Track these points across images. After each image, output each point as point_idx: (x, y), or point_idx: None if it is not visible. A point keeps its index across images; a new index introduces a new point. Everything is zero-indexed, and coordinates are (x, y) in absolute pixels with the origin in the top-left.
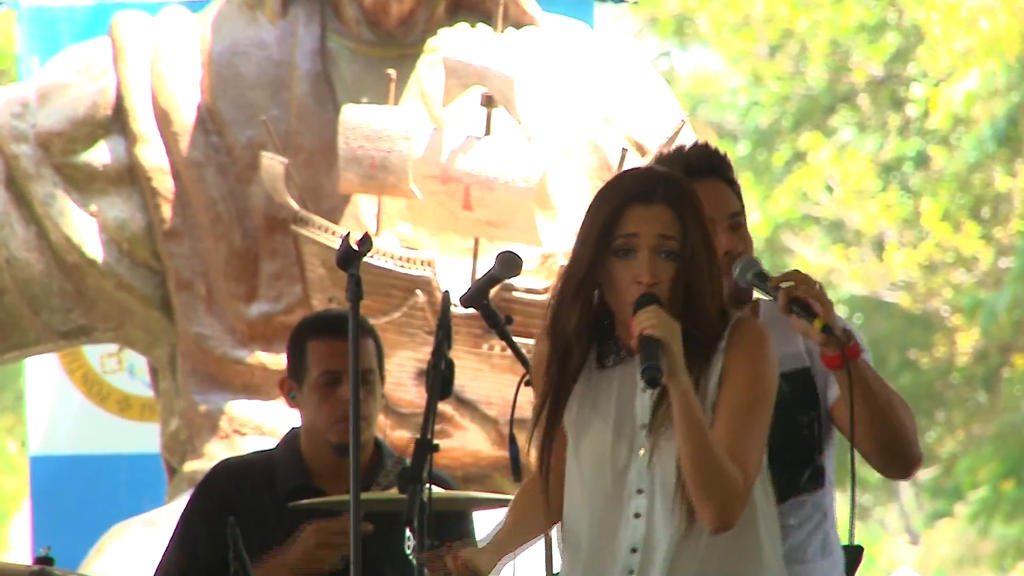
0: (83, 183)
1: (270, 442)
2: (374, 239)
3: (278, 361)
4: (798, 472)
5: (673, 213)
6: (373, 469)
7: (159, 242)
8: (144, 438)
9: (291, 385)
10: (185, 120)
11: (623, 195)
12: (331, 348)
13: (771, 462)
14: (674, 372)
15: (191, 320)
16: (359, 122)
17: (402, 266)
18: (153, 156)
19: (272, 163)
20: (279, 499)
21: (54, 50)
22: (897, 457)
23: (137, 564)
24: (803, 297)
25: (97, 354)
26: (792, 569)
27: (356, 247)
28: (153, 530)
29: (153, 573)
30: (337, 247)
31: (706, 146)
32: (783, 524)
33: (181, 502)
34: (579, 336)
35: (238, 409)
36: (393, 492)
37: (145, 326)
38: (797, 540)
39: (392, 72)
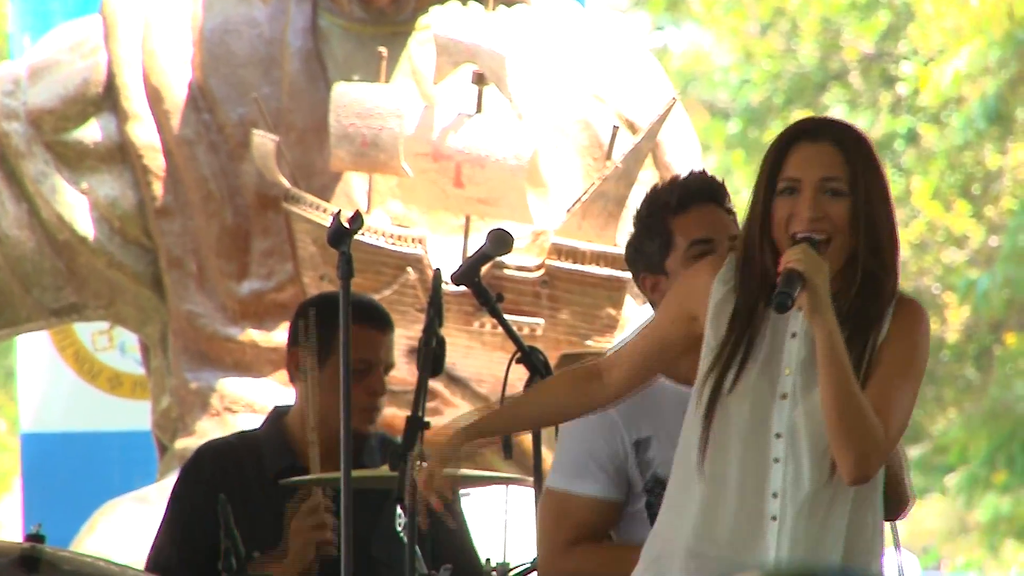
0: (74, 161)
1: (260, 419)
2: (365, 217)
3: (269, 339)
4: None
5: (840, 153)
6: (361, 449)
7: (150, 220)
8: (135, 415)
9: (305, 360)
10: (176, 98)
11: (788, 135)
12: (369, 337)
13: None
14: (817, 309)
15: (182, 298)
16: (350, 100)
17: (393, 244)
18: (144, 134)
19: (263, 141)
20: (266, 479)
21: (45, 28)
22: (886, 501)
23: (129, 541)
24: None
25: (88, 332)
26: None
27: (347, 225)
28: (145, 507)
29: (147, 556)
30: (328, 225)
31: (703, 174)
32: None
33: (172, 479)
34: (765, 285)
35: (229, 386)
36: (383, 470)
37: (136, 304)
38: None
39: (383, 50)
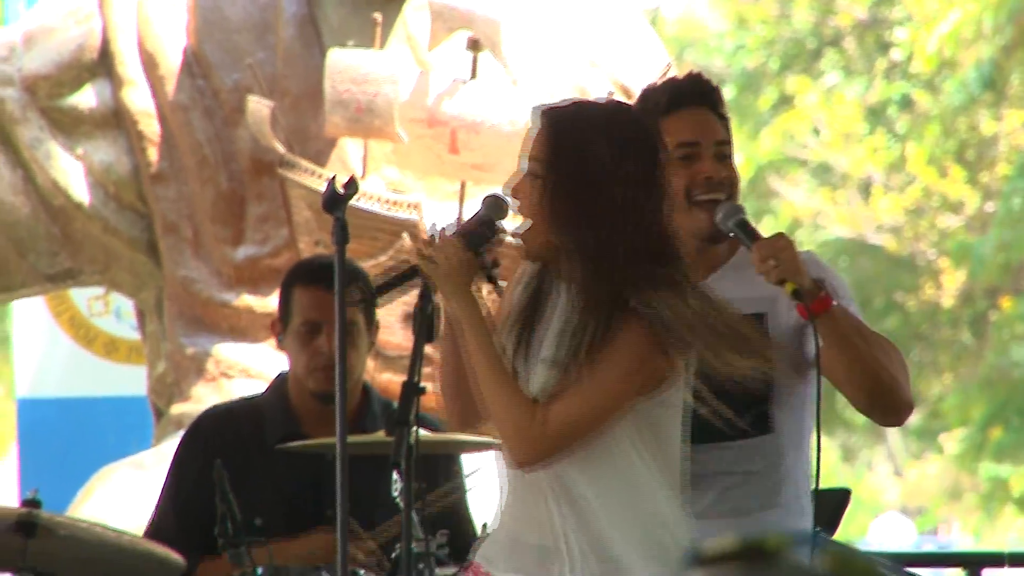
0: (69, 127)
1: (257, 385)
2: (360, 182)
3: (265, 304)
4: (740, 415)
5: (546, 133)
6: (360, 414)
7: (145, 185)
8: (131, 381)
9: (279, 329)
10: (171, 63)
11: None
12: (314, 297)
13: (722, 398)
14: (445, 296)
15: (177, 263)
16: (345, 65)
17: (389, 209)
18: (139, 99)
19: (258, 106)
20: (266, 445)
21: None
22: (884, 404)
23: (125, 506)
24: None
25: (84, 297)
26: (731, 523)
27: (342, 190)
28: (141, 472)
29: (147, 521)
30: (323, 191)
31: (698, 75)
32: (726, 471)
33: (169, 444)
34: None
35: (225, 352)
36: (380, 435)
37: (131, 269)
38: (740, 490)
39: (378, 16)
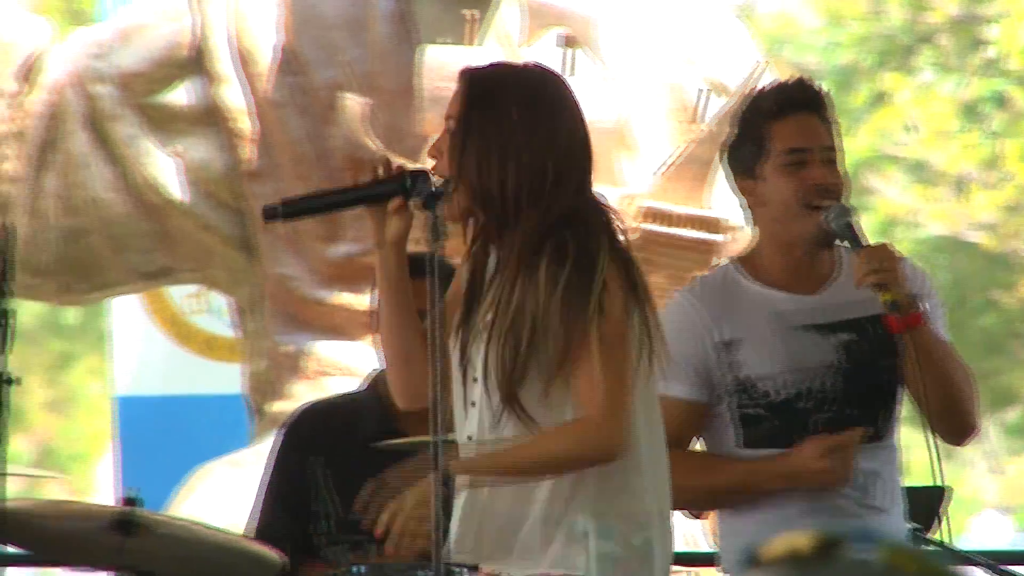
0: (164, 124)
1: (353, 382)
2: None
3: (361, 301)
4: (877, 417)
5: (462, 93)
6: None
7: (241, 183)
8: (229, 378)
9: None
10: (265, 60)
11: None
12: (420, 289)
13: (858, 405)
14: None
15: (274, 261)
16: (439, 63)
17: None
18: (234, 97)
19: (353, 104)
20: (363, 442)
21: None
22: (951, 424)
23: (223, 504)
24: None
25: (180, 295)
26: (866, 516)
27: (438, 188)
28: (239, 470)
29: (248, 517)
30: None
31: (803, 80)
32: (866, 468)
33: (266, 442)
34: None
35: (322, 350)
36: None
37: (227, 266)
38: (874, 486)
39: (472, 12)
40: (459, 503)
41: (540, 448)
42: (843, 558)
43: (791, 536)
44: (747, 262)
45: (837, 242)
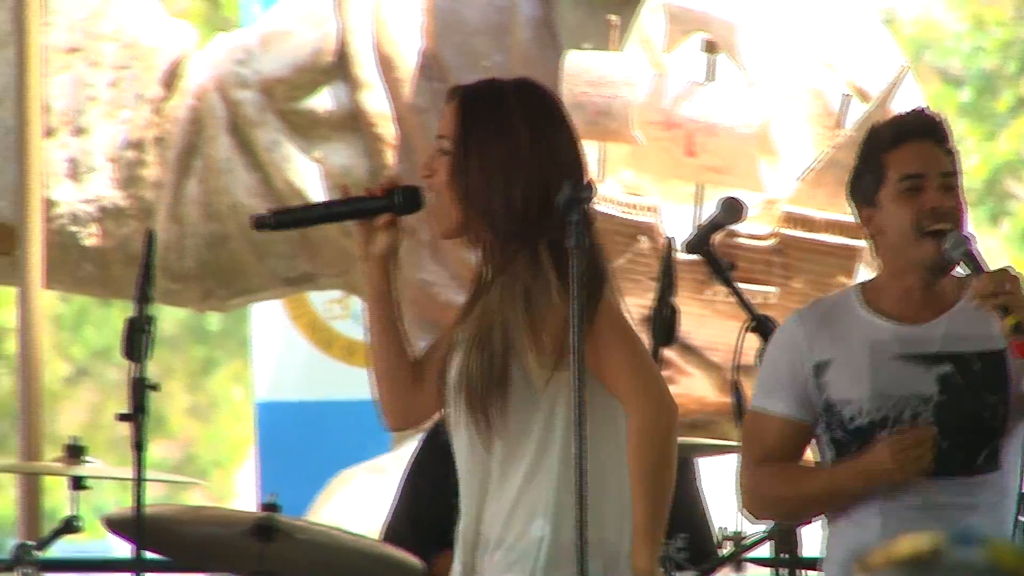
0: (306, 129)
1: None
2: (597, 185)
3: None
4: (976, 451)
5: (457, 112)
6: None
7: None
8: (369, 384)
9: None
10: (408, 66)
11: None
12: None
13: (951, 438)
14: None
15: (415, 267)
16: (582, 68)
17: (626, 212)
18: (376, 102)
19: None
20: None
21: None
22: None
23: (364, 510)
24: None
25: (322, 300)
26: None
27: (578, 193)
28: (379, 476)
29: (384, 521)
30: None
31: (921, 111)
32: (959, 503)
33: (406, 448)
34: None
35: None
36: None
37: None
38: (971, 521)
39: (614, 18)
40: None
41: (650, 480)
42: (948, 560)
43: (897, 540)
44: (867, 289)
45: (962, 270)
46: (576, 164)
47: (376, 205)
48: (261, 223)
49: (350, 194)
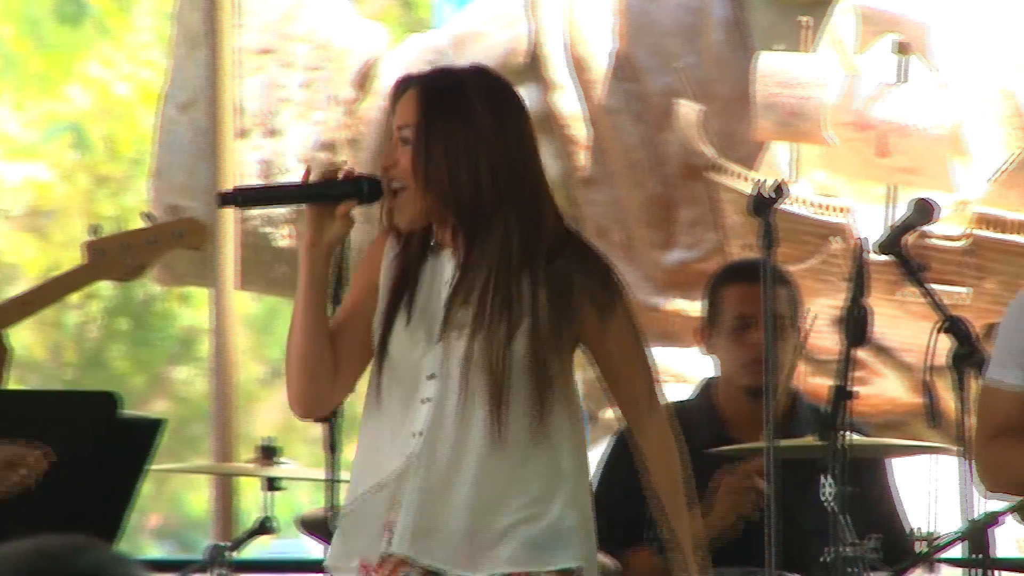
0: None
1: (686, 389)
2: (789, 186)
3: (695, 308)
4: None
5: (416, 100)
6: (788, 419)
7: (576, 189)
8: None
9: (707, 333)
10: (600, 67)
11: (398, 84)
12: (743, 293)
13: None
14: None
15: None
16: (774, 69)
17: (817, 213)
18: (568, 104)
19: (687, 111)
20: (694, 449)
21: None
22: None
23: None
24: None
25: None
26: None
27: (770, 194)
28: None
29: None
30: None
31: None
32: None
33: (600, 449)
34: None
35: (656, 357)
36: (809, 439)
37: None
38: None
39: (806, 19)
40: None
41: (685, 486)
42: None
43: None
44: None
45: None
46: (535, 149)
47: (342, 191)
48: (226, 199)
49: (313, 179)
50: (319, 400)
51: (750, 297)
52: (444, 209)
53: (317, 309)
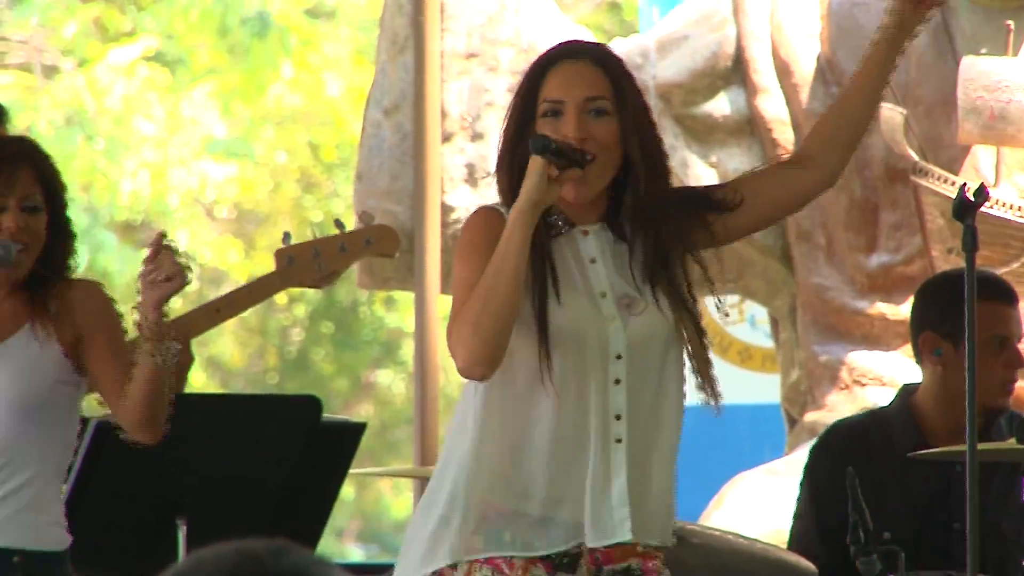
0: (703, 134)
1: (889, 393)
2: (992, 190)
3: (898, 312)
4: None
5: (601, 72)
6: (986, 424)
7: None
8: (765, 389)
9: (939, 342)
10: (804, 71)
11: (546, 58)
12: (999, 312)
13: None
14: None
15: (811, 271)
16: (978, 72)
17: (1020, 216)
18: (773, 107)
19: (892, 114)
20: (895, 457)
21: (674, 1)
22: None
23: (757, 514)
24: None
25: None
26: None
27: (972, 197)
28: (774, 479)
29: (789, 532)
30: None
31: None
32: None
33: (801, 452)
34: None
35: (858, 360)
36: (1011, 443)
37: (765, 277)
38: None
39: (1011, 23)
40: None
41: None
42: None
43: None
44: None
45: None
46: None
47: (576, 158)
48: (541, 148)
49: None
50: (497, 360)
51: (1007, 317)
52: (638, 178)
53: (521, 272)
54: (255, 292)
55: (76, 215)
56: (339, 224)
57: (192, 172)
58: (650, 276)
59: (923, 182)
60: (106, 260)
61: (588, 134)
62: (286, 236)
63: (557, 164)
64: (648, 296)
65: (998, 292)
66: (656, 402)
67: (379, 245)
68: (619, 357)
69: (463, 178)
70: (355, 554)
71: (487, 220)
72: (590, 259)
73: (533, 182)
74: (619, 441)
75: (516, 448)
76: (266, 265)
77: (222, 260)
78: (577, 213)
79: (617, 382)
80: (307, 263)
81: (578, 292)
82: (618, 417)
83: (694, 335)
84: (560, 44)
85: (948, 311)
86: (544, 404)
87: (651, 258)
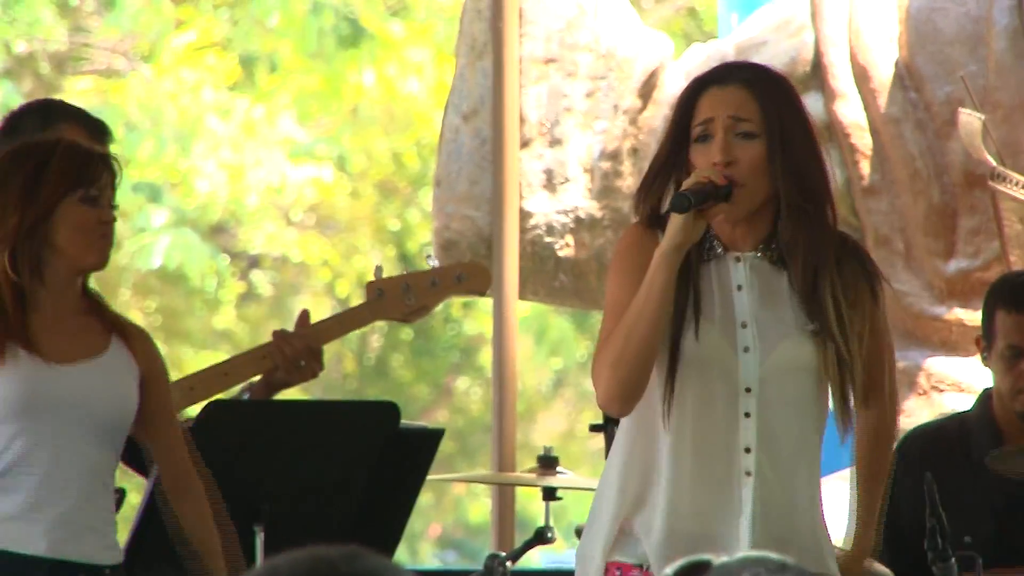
0: None
1: (967, 399)
2: None
3: (975, 318)
4: None
5: (749, 94)
6: None
7: (857, 198)
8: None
9: (983, 345)
10: (883, 76)
11: (697, 82)
12: (1016, 323)
13: None
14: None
15: (890, 276)
16: None
17: None
18: (851, 113)
19: (970, 119)
20: (974, 462)
21: (752, 7)
22: None
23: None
24: None
25: None
26: None
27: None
28: (844, 484)
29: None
30: None
31: None
32: None
33: None
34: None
35: (936, 366)
36: None
37: None
38: None
39: None
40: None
41: (884, 483)
42: None
43: None
44: None
45: None
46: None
47: (719, 193)
48: (682, 206)
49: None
50: (638, 398)
51: (1021, 328)
52: (789, 204)
53: (666, 309)
54: (345, 323)
55: (160, 214)
56: (431, 259)
57: (271, 173)
58: (801, 305)
59: (1001, 187)
60: (184, 257)
61: (734, 157)
62: (378, 269)
63: (700, 210)
64: (790, 324)
65: (1016, 301)
66: (789, 433)
67: (471, 282)
68: (748, 391)
69: (541, 184)
70: (435, 559)
71: (639, 239)
72: (736, 286)
73: (677, 226)
74: (748, 474)
75: (646, 474)
76: (344, 269)
77: (305, 255)
78: (734, 237)
79: (747, 415)
80: (397, 297)
81: (713, 323)
82: (748, 451)
83: (834, 365)
84: (713, 68)
85: (983, 317)
86: (663, 438)
87: (799, 286)
